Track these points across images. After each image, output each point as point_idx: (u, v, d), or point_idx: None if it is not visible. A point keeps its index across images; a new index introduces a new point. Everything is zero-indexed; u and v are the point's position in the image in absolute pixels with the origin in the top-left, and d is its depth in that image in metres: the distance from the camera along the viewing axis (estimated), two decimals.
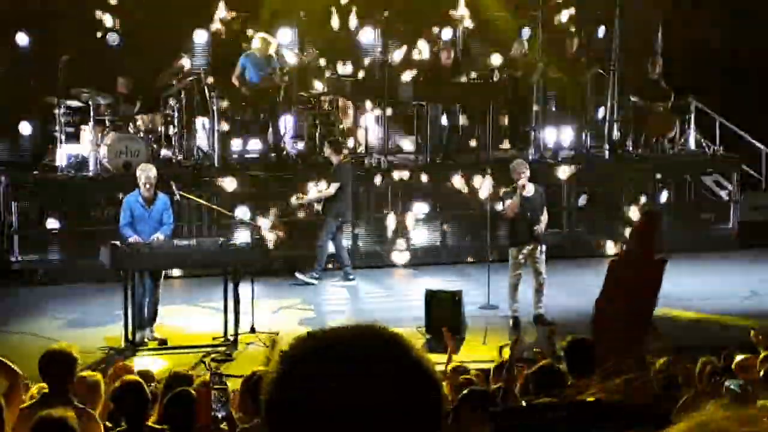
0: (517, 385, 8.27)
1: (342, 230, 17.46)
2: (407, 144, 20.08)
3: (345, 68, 20.18)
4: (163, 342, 14.16)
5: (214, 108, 18.39)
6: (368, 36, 20.68)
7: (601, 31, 21.00)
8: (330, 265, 17.58)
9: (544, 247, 15.16)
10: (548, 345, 9.50)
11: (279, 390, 1.99)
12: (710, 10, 20.34)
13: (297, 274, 17.20)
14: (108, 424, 7.69)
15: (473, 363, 11.84)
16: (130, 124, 18.06)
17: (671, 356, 9.04)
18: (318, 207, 17.53)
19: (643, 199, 19.38)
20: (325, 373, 1.96)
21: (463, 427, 7.06)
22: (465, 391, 7.43)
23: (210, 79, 19.19)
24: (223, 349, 13.82)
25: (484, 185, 17.25)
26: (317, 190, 17.63)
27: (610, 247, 18.86)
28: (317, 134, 19.01)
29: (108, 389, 7.97)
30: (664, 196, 19.85)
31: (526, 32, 20.60)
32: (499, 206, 16.19)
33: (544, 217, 15.24)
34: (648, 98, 20.05)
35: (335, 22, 20.13)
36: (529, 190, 15.08)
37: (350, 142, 19.21)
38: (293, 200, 17.75)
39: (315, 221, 17.56)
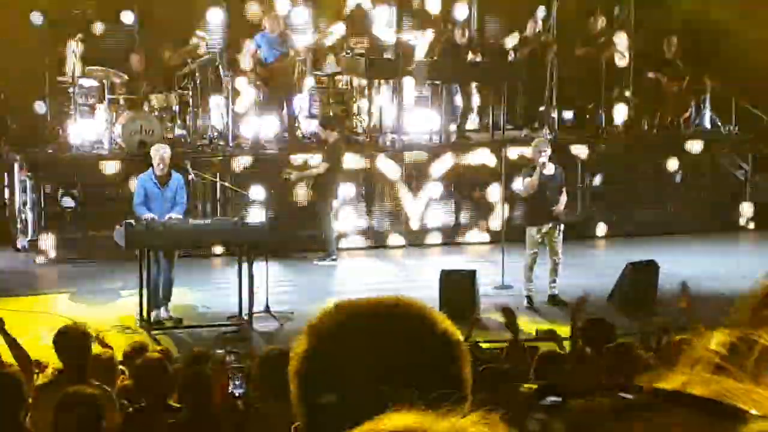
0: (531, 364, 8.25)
1: (332, 210, 17.46)
2: (421, 123, 20.01)
3: (359, 47, 20.11)
4: (178, 321, 14.20)
5: (229, 87, 18.37)
6: (382, 14, 20.60)
7: (617, 10, 20.93)
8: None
9: (562, 227, 15.11)
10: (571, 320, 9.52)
11: (309, 362, 1.99)
12: None
13: (315, 262, 17.22)
14: (124, 402, 7.70)
15: (487, 343, 11.83)
16: (145, 102, 18.05)
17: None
18: (304, 183, 17.58)
19: None
20: (354, 344, 1.96)
21: None
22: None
23: (224, 58, 19.16)
24: (237, 327, 13.84)
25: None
26: (308, 166, 17.61)
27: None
28: (331, 113, 18.99)
29: (124, 367, 8.00)
30: (679, 177, 19.78)
31: (541, 11, 20.49)
32: (518, 184, 16.17)
33: (563, 197, 15.20)
34: (663, 75, 19.96)
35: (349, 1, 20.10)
36: (549, 169, 15.01)
37: (362, 121, 19.22)
38: (283, 175, 17.71)
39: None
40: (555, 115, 19.76)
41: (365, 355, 1.95)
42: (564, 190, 15.26)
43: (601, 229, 19.16)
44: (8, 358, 8.32)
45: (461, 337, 2.05)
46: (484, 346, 10.60)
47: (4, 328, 8.09)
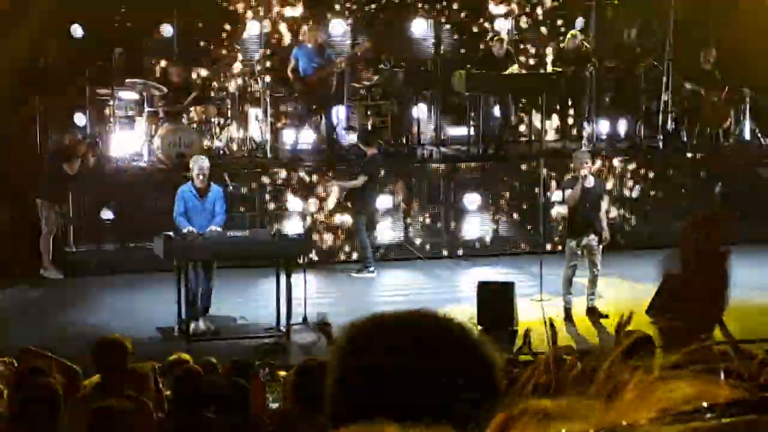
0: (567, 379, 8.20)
1: (367, 223, 17.47)
2: (459, 135, 20.00)
3: (397, 59, 20.16)
4: (215, 332, 14.24)
5: (267, 99, 18.44)
6: (420, 27, 20.63)
7: (655, 21, 20.87)
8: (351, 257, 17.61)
9: (602, 239, 15.01)
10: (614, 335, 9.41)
11: (343, 373, 2.00)
12: None
13: (353, 274, 17.24)
14: (161, 414, 7.73)
15: (525, 356, 11.79)
16: (184, 115, 18.15)
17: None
18: (340, 195, 17.58)
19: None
20: (387, 356, 1.96)
21: None
22: None
23: (263, 70, 19.24)
24: (275, 339, 13.86)
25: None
26: (346, 178, 17.63)
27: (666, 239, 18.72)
28: (369, 126, 19.02)
29: (163, 380, 8.03)
30: (718, 187, 19.65)
31: (579, 22, 20.47)
32: (557, 196, 16.12)
33: (603, 213, 15.15)
34: (702, 87, 19.87)
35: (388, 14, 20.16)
36: (590, 181, 14.96)
37: (400, 133, 19.27)
38: (323, 184, 17.75)
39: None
40: (594, 127, 19.70)
41: (400, 367, 1.96)
42: (603, 203, 15.20)
43: (639, 240, 19.06)
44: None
45: (494, 351, 2.04)
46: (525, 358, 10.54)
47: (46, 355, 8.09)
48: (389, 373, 1.95)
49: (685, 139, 20.15)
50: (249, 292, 16.15)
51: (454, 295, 16.03)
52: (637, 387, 1.52)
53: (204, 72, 19.16)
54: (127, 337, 8.10)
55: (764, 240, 18.11)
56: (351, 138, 19.14)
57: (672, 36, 19.93)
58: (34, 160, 17.69)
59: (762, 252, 17.46)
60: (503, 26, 20.33)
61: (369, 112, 19.16)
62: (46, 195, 16.94)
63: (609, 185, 17.99)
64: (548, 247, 16.99)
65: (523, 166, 18.68)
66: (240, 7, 19.76)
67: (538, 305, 15.36)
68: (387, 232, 18.34)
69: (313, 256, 17.68)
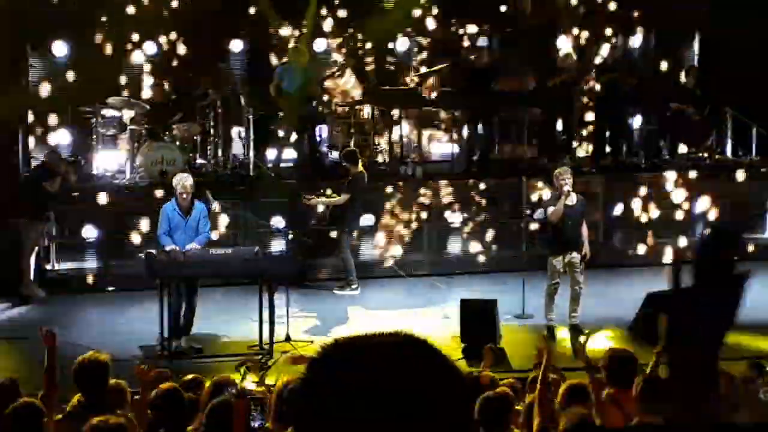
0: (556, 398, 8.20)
1: (350, 241, 17.48)
2: (442, 153, 20.02)
3: (380, 77, 20.22)
4: (198, 350, 14.21)
5: (250, 117, 18.46)
6: (404, 45, 20.68)
7: (638, 40, 20.98)
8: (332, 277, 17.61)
9: (584, 257, 15.04)
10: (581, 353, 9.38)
11: (305, 396, 2.00)
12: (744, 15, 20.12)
13: (335, 291, 17.23)
14: None
15: (508, 373, 11.80)
16: (167, 132, 18.15)
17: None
18: (322, 209, 17.59)
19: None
20: (351, 378, 1.96)
21: None
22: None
23: (246, 89, 19.29)
24: (258, 357, 13.83)
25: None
26: (327, 195, 17.62)
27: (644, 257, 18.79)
28: (352, 143, 19.04)
29: (144, 397, 8.01)
30: (702, 205, 19.70)
31: (562, 41, 20.55)
32: (539, 214, 16.14)
33: (585, 230, 15.16)
34: (685, 106, 19.95)
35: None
36: (572, 198, 14.97)
37: (384, 150, 19.31)
38: (302, 199, 17.75)
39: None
40: (576, 144, 19.76)
41: (360, 389, 1.95)
42: (584, 221, 15.21)
43: (622, 258, 19.11)
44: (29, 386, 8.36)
45: (460, 368, 2.05)
46: (502, 376, 10.54)
47: (54, 354, 8.05)
48: (348, 402, 1.95)
49: (667, 156, 20.23)
50: (232, 311, 16.13)
51: (438, 312, 16.02)
52: None
53: (187, 89, 19.17)
54: (106, 352, 8.07)
55: None
56: (334, 156, 19.16)
57: (653, 54, 20.04)
58: (15, 178, 17.65)
59: None
60: (485, 43, 20.33)
61: (352, 130, 19.18)
62: (28, 213, 16.90)
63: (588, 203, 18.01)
64: (531, 264, 16.98)
65: (507, 184, 18.71)
66: (222, 25, 19.81)
67: (522, 322, 15.40)
68: (370, 249, 18.35)
69: (297, 273, 17.68)
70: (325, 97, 19.58)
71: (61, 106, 18.72)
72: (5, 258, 16.74)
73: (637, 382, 7.96)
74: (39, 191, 16.81)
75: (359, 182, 17.30)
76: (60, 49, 19.03)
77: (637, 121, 20.58)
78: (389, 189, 18.49)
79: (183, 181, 14.40)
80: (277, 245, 16.84)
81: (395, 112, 19.36)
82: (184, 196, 14.27)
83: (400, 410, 1.93)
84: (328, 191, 17.50)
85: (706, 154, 20.37)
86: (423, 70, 20.28)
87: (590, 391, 8.08)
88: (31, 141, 18.70)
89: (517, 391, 9.09)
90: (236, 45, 20.06)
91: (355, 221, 17.48)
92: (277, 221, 17.78)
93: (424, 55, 20.70)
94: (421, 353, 2.01)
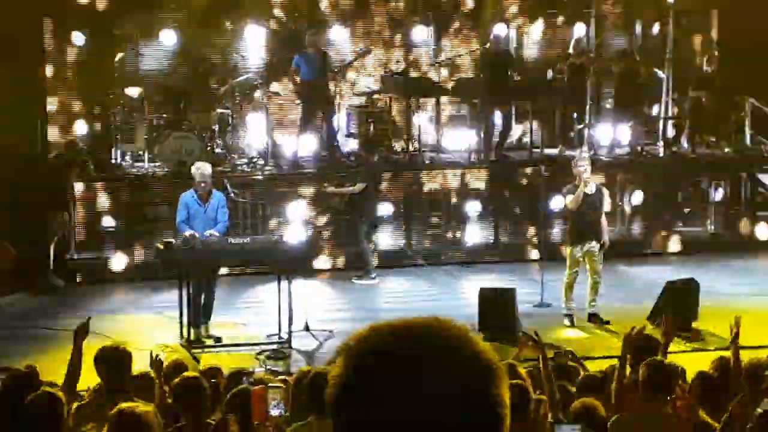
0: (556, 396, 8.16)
1: (368, 230, 17.48)
2: (461, 142, 20.00)
3: (398, 66, 20.19)
4: (218, 339, 14.23)
5: (268, 106, 18.46)
6: (421, 34, 20.65)
7: (656, 27, 20.93)
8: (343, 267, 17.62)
9: (602, 245, 14.99)
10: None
11: (344, 383, 2.01)
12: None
13: (354, 280, 17.26)
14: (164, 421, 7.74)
15: (525, 362, 11.80)
16: (185, 122, 18.16)
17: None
18: (340, 202, 17.59)
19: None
20: (389, 367, 1.97)
21: None
22: None
23: (264, 77, 19.29)
24: (277, 346, 13.86)
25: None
26: (346, 184, 17.64)
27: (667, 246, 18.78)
28: (370, 132, 19.04)
29: (163, 386, 8.04)
30: (719, 194, 19.66)
31: (579, 29, 20.50)
32: (558, 203, 16.12)
33: (604, 219, 15.09)
34: (704, 94, 19.90)
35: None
36: (590, 187, 14.92)
37: (401, 141, 19.31)
38: (321, 188, 17.78)
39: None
40: (594, 132, 19.71)
41: (401, 377, 1.97)
42: (604, 209, 15.16)
43: (642, 247, 19.10)
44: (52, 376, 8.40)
45: (496, 358, 2.05)
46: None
47: (81, 343, 8.09)
48: (389, 389, 1.96)
49: (685, 145, 20.18)
50: (251, 299, 16.17)
51: (456, 301, 16.03)
52: None
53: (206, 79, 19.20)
54: (128, 343, 8.12)
55: None
56: (351, 145, 19.17)
57: (673, 42, 19.96)
58: (37, 167, 17.71)
59: None
60: (501, 30, 20.25)
61: (369, 120, 19.17)
62: (48, 203, 16.98)
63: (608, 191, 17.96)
64: (549, 253, 16.98)
65: (524, 173, 18.70)
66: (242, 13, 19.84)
67: (541, 311, 15.39)
68: (388, 238, 18.36)
69: (315, 262, 17.71)
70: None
71: (81, 95, 18.77)
72: (25, 247, 16.80)
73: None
74: (57, 181, 16.89)
75: (375, 171, 17.29)
76: (79, 38, 19.04)
77: (655, 110, 20.51)
78: (407, 178, 18.48)
79: (201, 169, 14.41)
80: (295, 234, 16.83)
81: (413, 101, 19.33)
82: (203, 184, 14.28)
83: (435, 399, 1.94)
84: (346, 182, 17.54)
85: (724, 143, 20.31)
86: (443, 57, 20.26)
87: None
88: (53, 131, 18.77)
89: (535, 378, 9.07)
90: (255, 32, 20.00)
91: (372, 211, 17.48)
92: (296, 210, 17.79)
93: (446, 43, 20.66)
94: (456, 341, 2.02)
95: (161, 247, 14.10)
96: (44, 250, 17.04)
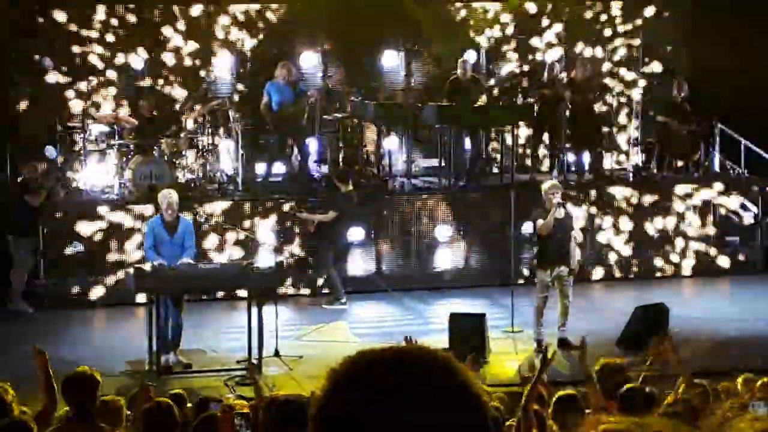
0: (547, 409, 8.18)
1: (336, 256, 17.50)
2: (430, 167, 20.02)
3: (368, 92, 20.22)
4: (187, 366, 14.16)
5: (238, 132, 18.45)
6: (391, 60, 20.70)
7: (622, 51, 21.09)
8: (322, 289, 17.60)
9: (572, 270, 15.02)
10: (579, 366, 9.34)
11: (327, 409, 1.99)
12: (731, 29, 20.12)
13: (324, 306, 17.24)
14: None
15: (497, 387, 11.79)
16: (154, 147, 18.11)
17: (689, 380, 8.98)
18: (311, 227, 17.57)
19: None
20: (373, 393, 1.96)
21: None
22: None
23: (234, 103, 19.28)
24: (246, 372, 13.79)
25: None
26: (316, 211, 17.63)
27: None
28: (341, 158, 19.05)
29: (132, 412, 7.98)
30: (689, 219, 19.73)
31: (553, 54, 20.64)
32: (528, 228, 16.13)
33: (574, 244, 15.12)
34: (673, 120, 19.99)
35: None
36: (560, 212, 14.95)
37: (372, 165, 19.32)
38: (290, 208, 17.78)
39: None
40: (564, 158, 19.77)
41: (386, 403, 1.95)
42: (574, 235, 15.20)
43: (609, 272, 19.15)
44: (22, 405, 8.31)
45: (480, 387, 2.04)
46: (491, 390, 10.53)
47: (48, 368, 8.01)
48: (374, 418, 1.94)
49: (654, 170, 20.26)
50: (220, 325, 16.10)
51: (426, 327, 16.00)
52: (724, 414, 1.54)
53: (176, 105, 19.19)
54: (97, 370, 8.05)
55: None
56: (323, 170, 19.17)
57: (641, 69, 20.09)
58: (4, 193, 17.62)
59: None
60: (471, 55, 20.32)
61: (341, 145, 19.18)
62: (16, 229, 16.90)
63: (580, 216, 18.00)
64: (519, 278, 17.00)
65: (494, 198, 18.73)
66: (212, 41, 19.87)
67: (511, 336, 15.40)
68: (358, 263, 18.34)
69: (284, 288, 17.67)
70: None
71: (50, 120, 18.71)
72: None
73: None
74: (23, 206, 16.81)
75: (348, 202, 17.29)
76: (47, 63, 19.00)
77: (623, 136, 20.60)
78: (377, 202, 18.48)
79: (168, 197, 14.37)
80: (265, 260, 16.78)
81: (383, 126, 19.35)
82: (170, 212, 14.25)
83: (419, 426, 1.93)
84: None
85: (693, 168, 20.40)
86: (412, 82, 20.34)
87: (585, 402, 8.10)
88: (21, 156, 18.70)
89: (506, 404, 9.07)
90: (225, 59, 20.02)
91: (341, 238, 17.52)
92: (266, 235, 17.75)
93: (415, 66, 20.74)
94: (440, 370, 2.01)
95: (131, 272, 14.03)
96: (15, 277, 16.94)
